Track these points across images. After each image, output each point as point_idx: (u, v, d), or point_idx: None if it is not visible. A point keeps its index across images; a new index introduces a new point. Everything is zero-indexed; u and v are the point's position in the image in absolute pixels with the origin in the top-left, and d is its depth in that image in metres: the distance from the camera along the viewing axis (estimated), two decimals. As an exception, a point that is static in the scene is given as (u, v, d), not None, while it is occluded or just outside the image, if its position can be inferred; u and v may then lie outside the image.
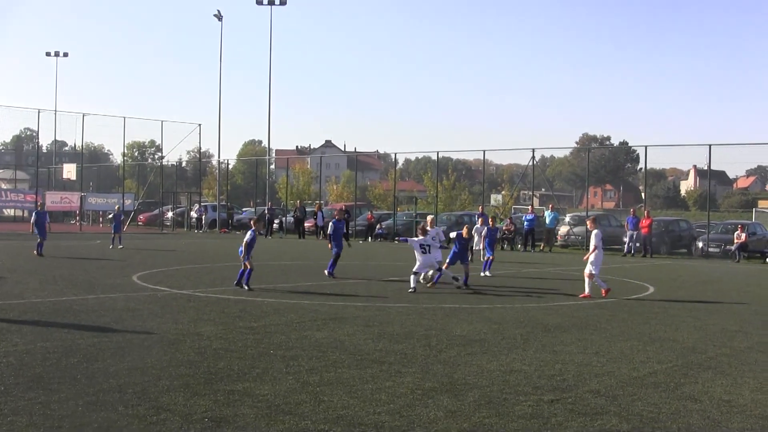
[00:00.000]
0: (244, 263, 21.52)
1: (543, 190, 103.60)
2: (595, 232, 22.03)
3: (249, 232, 21.90)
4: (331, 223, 26.10)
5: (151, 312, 17.06)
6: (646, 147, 50.67)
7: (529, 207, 53.81)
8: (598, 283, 21.91)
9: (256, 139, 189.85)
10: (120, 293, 20.50)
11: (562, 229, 52.13)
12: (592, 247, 21.91)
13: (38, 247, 33.28)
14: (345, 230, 26.17)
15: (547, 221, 49.64)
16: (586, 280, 21.73)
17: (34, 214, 36.01)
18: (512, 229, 49.37)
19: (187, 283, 23.33)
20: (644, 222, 45.57)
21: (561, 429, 8.74)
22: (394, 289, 21.22)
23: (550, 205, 53.95)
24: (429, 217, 27.64)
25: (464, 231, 24.23)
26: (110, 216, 45.24)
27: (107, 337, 13.90)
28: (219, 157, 78.67)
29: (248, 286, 21.35)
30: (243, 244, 21.69)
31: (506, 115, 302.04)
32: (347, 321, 16.42)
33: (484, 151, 60.12)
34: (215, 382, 10.54)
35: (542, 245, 49.18)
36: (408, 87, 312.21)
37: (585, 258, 22.31)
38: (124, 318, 16.16)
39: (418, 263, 22.95)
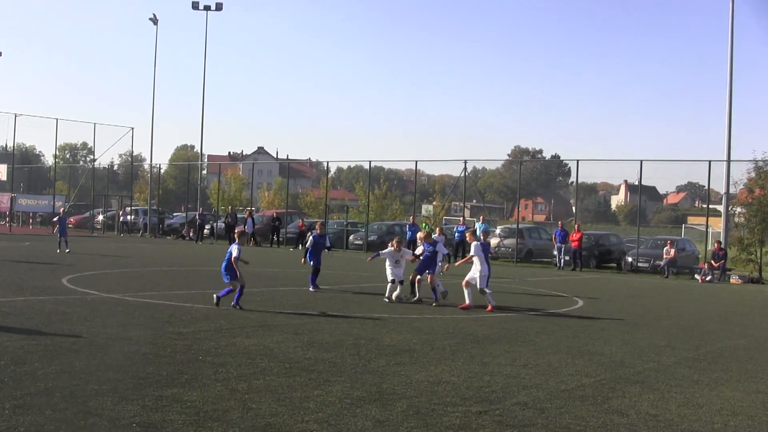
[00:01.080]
0: (232, 282, 19.50)
1: (474, 201, 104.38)
2: (474, 244, 22.21)
3: (235, 247, 19.73)
4: (311, 237, 25.35)
5: (80, 315, 16.95)
6: (578, 161, 51.43)
7: (461, 218, 54.17)
8: (488, 298, 21.94)
9: (189, 144, 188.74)
10: (49, 296, 20.33)
11: (493, 241, 52.35)
12: (475, 260, 22.21)
13: None
14: (327, 244, 25.44)
15: (478, 233, 49.90)
16: (465, 290, 21.92)
17: None
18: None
19: (117, 287, 23.17)
20: (574, 236, 46.03)
21: (487, 439, 8.89)
22: (323, 297, 21.27)
23: (481, 217, 54.30)
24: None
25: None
26: (55, 219, 44.35)
27: (35, 339, 13.80)
28: (151, 161, 78.21)
29: (239, 305, 19.36)
30: (230, 261, 19.45)
31: (439, 126, 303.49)
32: (277, 329, 16.47)
33: (416, 162, 60.56)
34: (144, 387, 10.55)
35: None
36: (341, 96, 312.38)
37: (457, 264, 22.81)
38: (52, 321, 16.06)
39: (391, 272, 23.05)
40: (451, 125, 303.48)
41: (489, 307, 21.43)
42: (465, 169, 54.51)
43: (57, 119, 70.40)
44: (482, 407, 10.38)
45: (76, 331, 14.86)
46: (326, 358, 13.40)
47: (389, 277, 23.03)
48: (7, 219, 71.51)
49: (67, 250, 38.31)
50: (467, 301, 21.66)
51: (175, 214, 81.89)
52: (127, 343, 13.86)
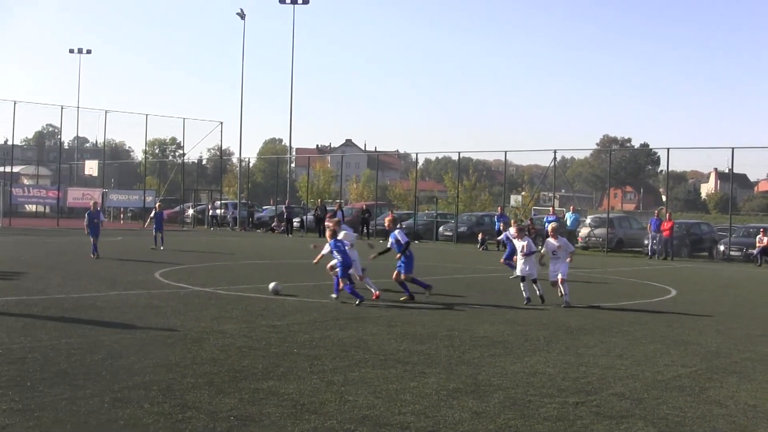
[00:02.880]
0: (348, 278, 19.39)
1: (563, 191, 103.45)
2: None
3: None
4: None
5: (173, 309, 17.06)
6: (668, 149, 50.18)
7: (551, 208, 53.64)
8: (368, 283, 20.46)
9: (277, 138, 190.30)
10: (142, 290, 20.52)
11: (583, 231, 51.84)
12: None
13: (93, 249, 31.37)
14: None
15: (569, 223, 49.42)
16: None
17: (86, 215, 32.94)
18: (534, 230, 49.14)
19: (210, 280, 23.33)
20: (666, 225, 45.27)
21: (587, 432, 8.69)
22: (415, 289, 21.05)
23: (572, 207, 53.82)
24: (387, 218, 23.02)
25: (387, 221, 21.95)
26: (152, 216, 44.42)
27: (131, 333, 13.92)
28: (240, 154, 78.89)
29: (337, 295, 19.71)
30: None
31: (527, 116, 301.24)
32: (370, 321, 16.39)
33: (505, 152, 60.03)
34: (240, 380, 10.52)
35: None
36: (429, 87, 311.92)
37: (372, 257, 21.96)
38: (147, 315, 16.18)
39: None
40: (540, 114, 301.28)
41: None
42: (555, 158, 53.97)
43: (147, 115, 71.40)
44: (579, 398, 10.19)
45: (171, 325, 14.95)
46: (420, 350, 13.27)
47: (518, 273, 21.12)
48: (99, 214, 72.59)
49: (162, 248, 37.32)
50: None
51: (264, 207, 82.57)
52: (222, 337, 13.88)
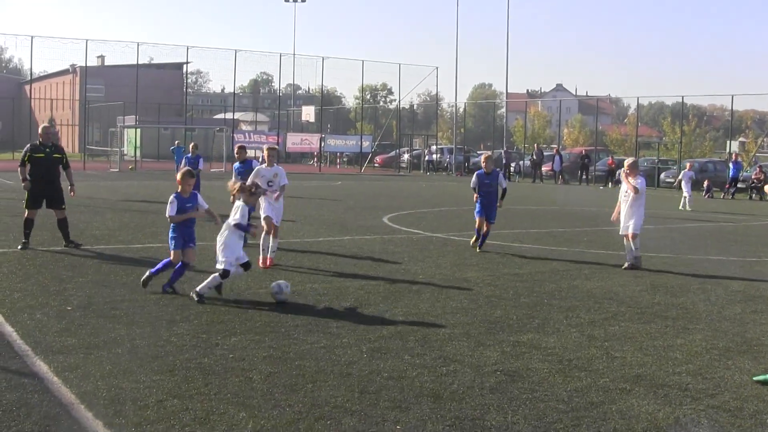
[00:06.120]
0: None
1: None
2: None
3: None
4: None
5: (410, 256, 16.81)
6: None
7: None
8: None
9: (486, 83, 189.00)
10: (375, 235, 20.41)
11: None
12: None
13: None
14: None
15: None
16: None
17: (185, 159, 27.56)
18: (761, 178, 46.81)
19: (440, 226, 22.96)
20: None
21: None
22: (652, 237, 20.03)
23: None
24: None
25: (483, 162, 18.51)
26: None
27: (374, 281, 13.68)
28: (456, 99, 78.63)
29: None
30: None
31: (751, 58, 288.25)
32: (614, 271, 15.65)
33: (732, 96, 57.33)
34: (496, 331, 10.13)
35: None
36: (635, 30, 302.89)
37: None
38: (385, 261, 15.99)
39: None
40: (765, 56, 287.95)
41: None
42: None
43: (363, 61, 71.77)
44: None
45: (412, 272, 14.68)
46: (676, 303, 12.55)
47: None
48: (316, 159, 73.74)
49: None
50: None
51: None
52: (466, 284, 13.54)
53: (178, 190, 12.16)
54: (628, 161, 17.00)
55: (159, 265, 12.22)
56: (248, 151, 23.14)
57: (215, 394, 7.37)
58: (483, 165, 18.19)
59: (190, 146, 28.70)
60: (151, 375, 7.88)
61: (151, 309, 10.85)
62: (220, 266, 11.56)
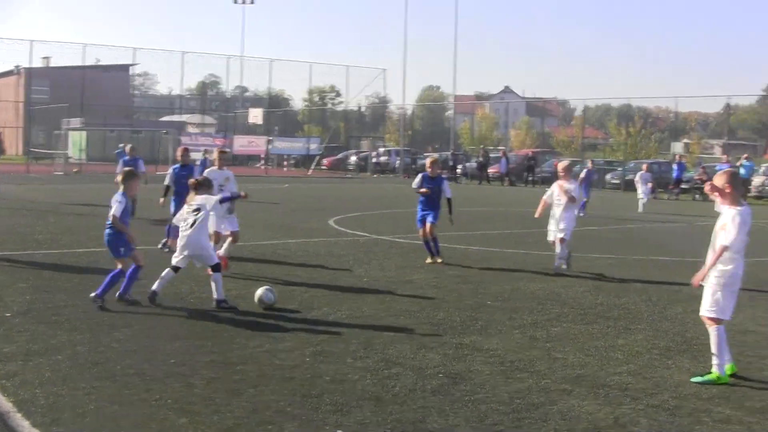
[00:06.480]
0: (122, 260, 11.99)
1: (726, 139, 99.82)
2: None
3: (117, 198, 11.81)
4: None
5: (356, 258, 16.82)
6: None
7: (723, 156, 51.61)
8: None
9: (434, 85, 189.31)
10: (320, 237, 20.37)
11: (756, 180, 49.56)
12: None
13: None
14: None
15: (743, 172, 47.34)
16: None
17: (121, 161, 26.13)
18: (704, 179, 47.26)
19: (385, 228, 22.91)
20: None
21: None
22: (595, 237, 20.24)
23: (745, 155, 51.56)
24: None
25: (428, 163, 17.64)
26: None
27: (319, 284, 13.64)
28: (404, 101, 78.74)
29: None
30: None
31: (695, 61, 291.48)
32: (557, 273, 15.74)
33: (676, 98, 57.94)
34: (440, 334, 10.16)
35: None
36: (582, 32, 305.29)
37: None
38: (330, 264, 15.99)
39: None
40: (708, 59, 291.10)
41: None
42: (728, 105, 51.82)
43: (311, 63, 71.78)
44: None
45: (356, 275, 14.70)
46: (618, 303, 12.67)
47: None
48: (262, 161, 73.47)
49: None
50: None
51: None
52: (410, 286, 13.58)
53: (123, 190, 11.68)
54: (561, 165, 16.83)
55: (107, 279, 11.55)
56: (191, 154, 22.53)
57: (156, 401, 7.33)
58: (428, 169, 17.19)
59: (127, 148, 26.49)
60: (91, 381, 7.82)
61: (93, 314, 10.75)
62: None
